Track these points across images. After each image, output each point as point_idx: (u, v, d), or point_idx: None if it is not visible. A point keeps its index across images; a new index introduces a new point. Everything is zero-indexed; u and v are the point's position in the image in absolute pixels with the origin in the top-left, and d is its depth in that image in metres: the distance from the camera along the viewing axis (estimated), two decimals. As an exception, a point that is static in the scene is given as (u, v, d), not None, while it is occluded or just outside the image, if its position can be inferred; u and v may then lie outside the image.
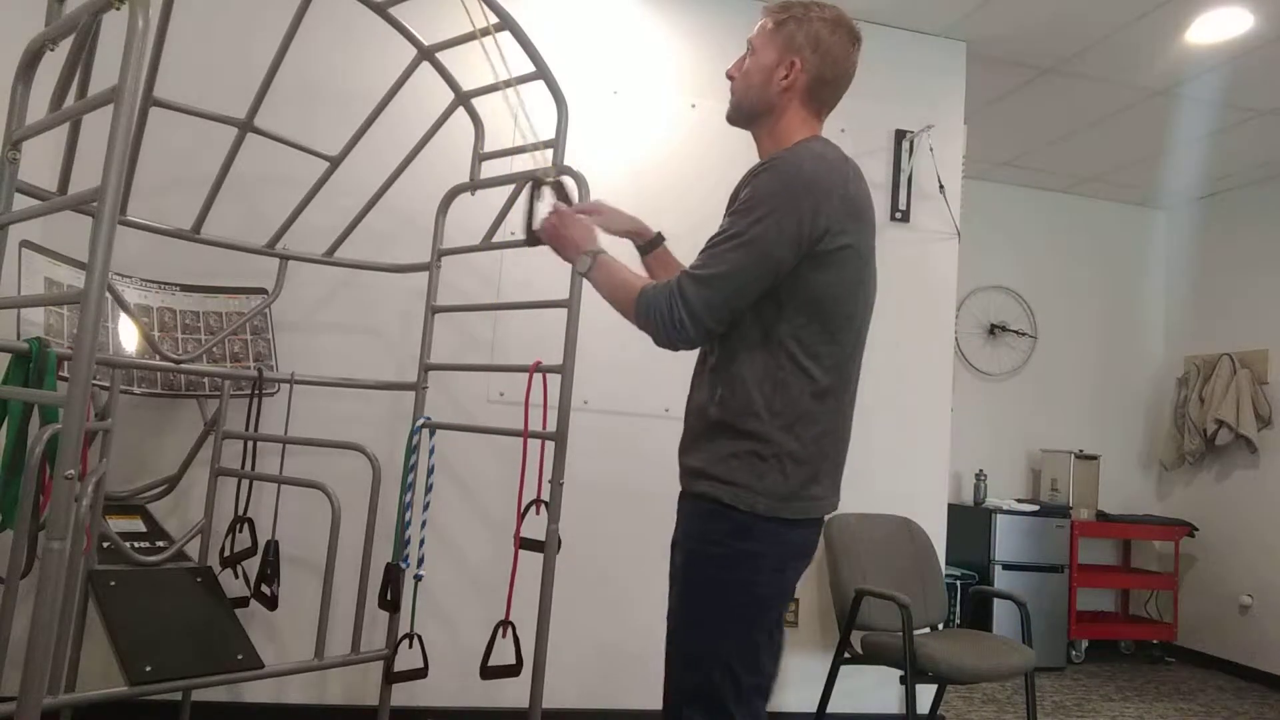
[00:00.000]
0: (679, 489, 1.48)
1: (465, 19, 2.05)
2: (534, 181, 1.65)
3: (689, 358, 1.38)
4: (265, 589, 2.23)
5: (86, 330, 1.22)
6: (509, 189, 2.41)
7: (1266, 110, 3.86)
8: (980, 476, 4.54)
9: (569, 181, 1.66)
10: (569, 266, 2.09)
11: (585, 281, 1.51)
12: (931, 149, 3.34)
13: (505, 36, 2.09)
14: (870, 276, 1.42)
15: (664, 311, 1.32)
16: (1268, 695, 4.07)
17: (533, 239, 1.63)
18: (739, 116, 1.51)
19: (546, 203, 1.63)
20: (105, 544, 2.07)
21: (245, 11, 2.77)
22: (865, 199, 1.39)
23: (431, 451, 2.37)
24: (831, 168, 1.34)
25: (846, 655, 2.83)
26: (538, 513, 2.12)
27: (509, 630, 2.15)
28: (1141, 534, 4.77)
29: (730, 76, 1.51)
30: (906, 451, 3.30)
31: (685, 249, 1.64)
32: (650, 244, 1.67)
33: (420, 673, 2.31)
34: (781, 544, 1.34)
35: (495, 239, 2.44)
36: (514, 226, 2.82)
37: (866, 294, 1.41)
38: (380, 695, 2.40)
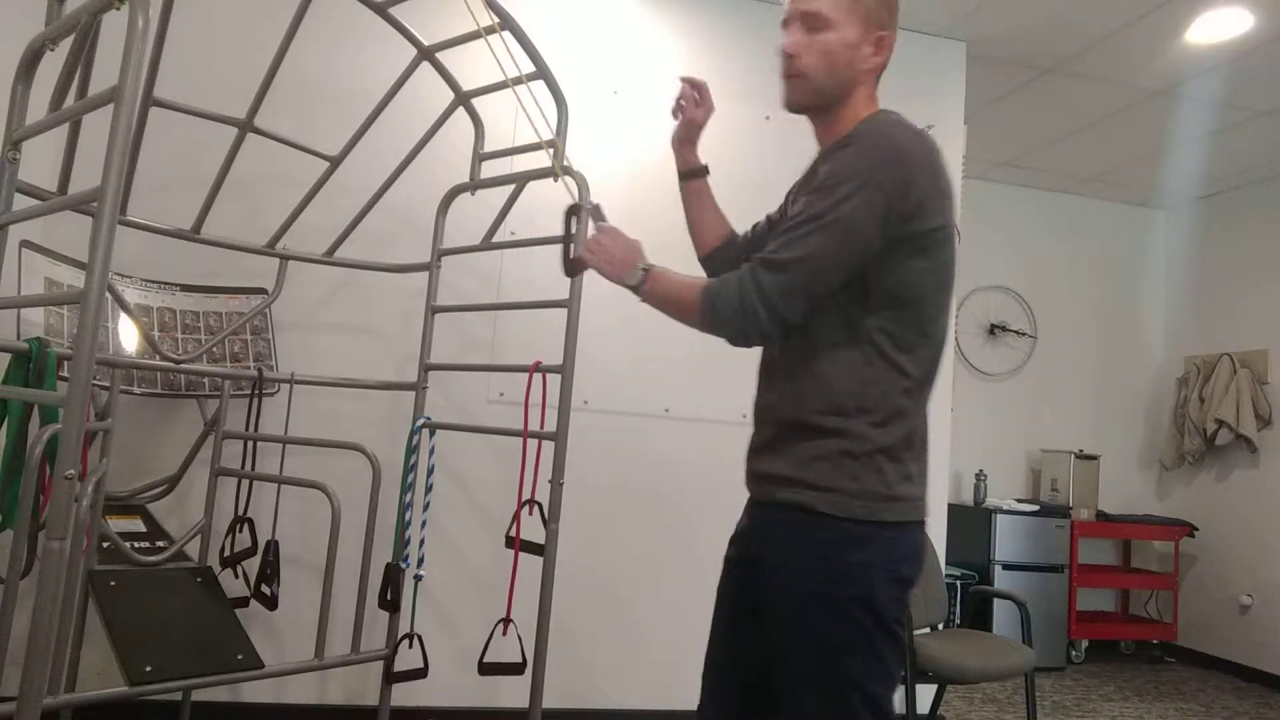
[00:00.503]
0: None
1: (465, 19, 2.05)
2: (569, 208, 1.57)
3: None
4: (265, 589, 2.23)
5: (86, 330, 1.22)
6: (509, 189, 2.41)
7: (1266, 110, 3.86)
8: (980, 476, 4.54)
9: (602, 205, 1.57)
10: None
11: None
12: (931, 149, 3.34)
13: (507, 36, 2.09)
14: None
15: (734, 302, 1.21)
16: (1268, 695, 4.07)
17: (573, 267, 1.54)
18: (812, 102, 1.33)
19: (584, 229, 1.54)
20: (105, 544, 2.07)
21: (245, 11, 2.77)
22: (949, 175, 1.27)
23: (431, 451, 2.37)
24: (920, 138, 1.22)
25: (846, 655, 2.82)
26: (530, 513, 2.12)
27: (510, 628, 2.15)
28: (1141, 534, 4.77)
29: (792, 54, 1.30)
30: (906, 451, 3.29)
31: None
32: (697, 171, 1.59)
33: (420, 673, 2.31)
34: (889, 549, 1.21)
35: (495, 239, 2.44)
36: (514, 226, 2.83)
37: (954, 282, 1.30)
38: (380, 695, 2.40)
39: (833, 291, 1.20)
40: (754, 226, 1.57)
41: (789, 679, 1.22)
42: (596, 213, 1.54)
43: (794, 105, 1.35)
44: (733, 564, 1.38)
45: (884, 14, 1.30)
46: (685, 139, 1.61)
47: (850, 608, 1.18)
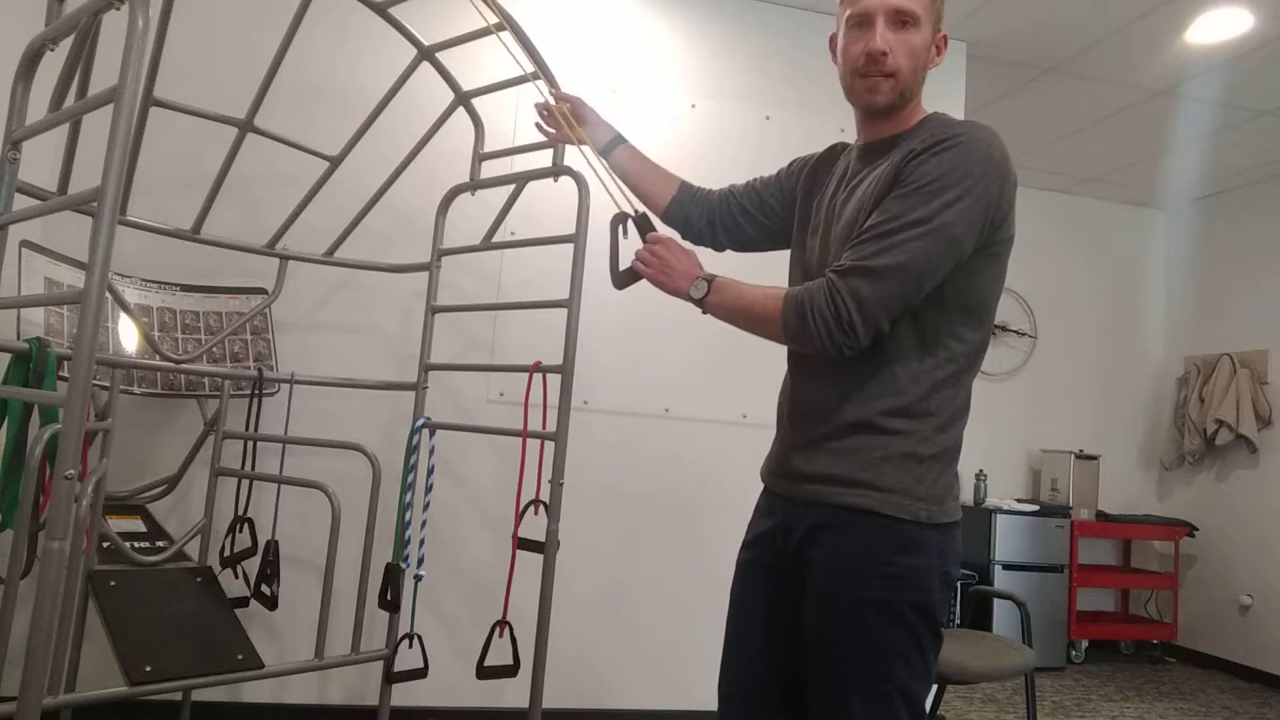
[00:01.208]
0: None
1: (465, 19, 2.05)
2: (617, 216, 1.50)
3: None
4: (265, 589, 2.23)
5: (86, 330, 1.22)
6: (509, 189, 2.41)
7: (1266, 110, 3.86)
8: (980, 476, 4.54)
9: (650, 214, 1.53)
10: (569, 266, 2.10)
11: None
12: (931, 149, 3.34)
13: (506, 35, 2.09)
14: None
15: (826, 314, 1.15)
16: (1268, 695, 4.07)
17: (624, 278, 1.46)
18: (898, 102, 1.28)
19: (631, 239, 1.49)
20: (105, 544, 2.07)
21: (245, 12, 2.77)
22: None
23: (431, 451, 2.37)
24: (1005, 148, 1.19)
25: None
26: (536, 513, 2.12)
27: (506, 630, 2.15)
28: (1141, 534, 4.77)
29: (883, 54, 1.24)
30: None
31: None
32: (616, 140, 1.63)
33: (420, 673, 2.31)
34: (944, 551, 1.20)
35: (495, 239, 2.44)
36: (514, 227, 2.83)
37: None
38: (380, 695, 2.40)
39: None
40: (756, 185, 1.54)
41: (835, 680, 1.19)
42: (645, 221, 1.48)
43: (880, 107, 1.29)
44: (756, 567, 1.34)
45: (943, 10, 1.29)
46: (579, 121, 1.65)
47: (907, 614, 1.16)
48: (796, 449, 1.29)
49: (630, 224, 1.49)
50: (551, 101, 1.71)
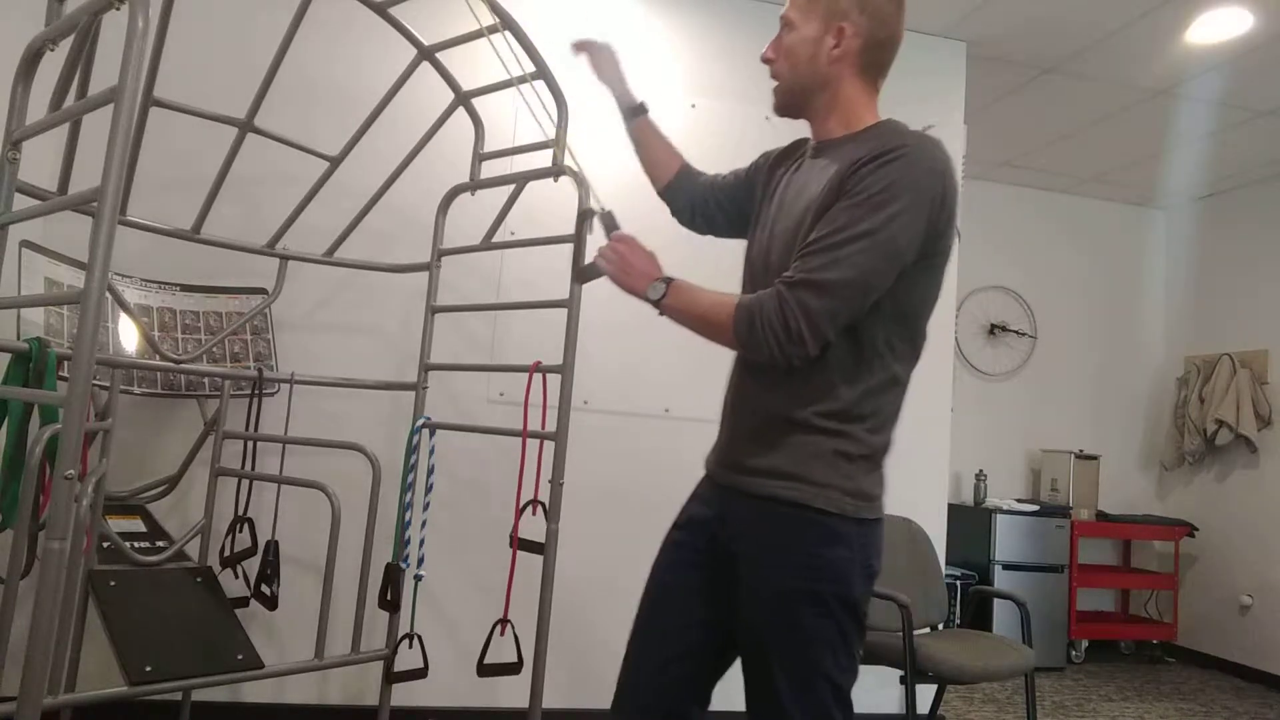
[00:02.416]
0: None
1: (465, 19, 2.04)
2: (585, 212, 1.57)
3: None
4: (265, 589, 2.23)
5: (86, 330, 1.22)
6: (509, 189, 2.41)
7: (1266, 110, 3.86)
8: (980, 476, 4.54)
9: (615, 213, 1.55)
10: (569, 266, 2.10)
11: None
12: (931, 149, 3.34)
13: (507, 35, 2.09)
14: None
15: (776, 325, 1.18)
16: (1268, 695, 4.07)
17: (585, 272, 1.50)
18: (790, 101, 1.36)
19: (596, 236, 1.52)
20: (105, 544, 2.07)
21: (245, 11, 2.77)
22: None
23: (431, 451, 2.37)
24: (948, 156, 1.23)
25: (846, 655, 2.82)
26: (534, 513, 2.12)
27: (507, 628, 2.15)
28: (1141, 534, 4.77)
29: (768, 60, 1.36)
30: (906, 452, 3.26)
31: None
32: (636, 110, 1.66)
33: (420, 673, 2.31)
34: (866, 546, 1.25)
35: (495, 239, 2.44)
36: (514, 226, 2.83)
37: None
38: (380, 695, 2.40)
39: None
40: (728, 177, 1.59)
41: (764, 667, 1.24)
42: (610, 220, 1.50)
43: (776, 109, 1.38)
44: (689, 549, 1.38)
45: (848, 6, 1.29)
46: (611, 80, 1.68)
47: (832, 604, 1.22)
48: (737, 441, 1.34)
49: (597, 221, 1.52)
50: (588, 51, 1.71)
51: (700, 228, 1.65)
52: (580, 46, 1.74)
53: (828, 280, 1.16)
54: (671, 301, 1.32)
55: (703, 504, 1.41)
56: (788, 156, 1.46)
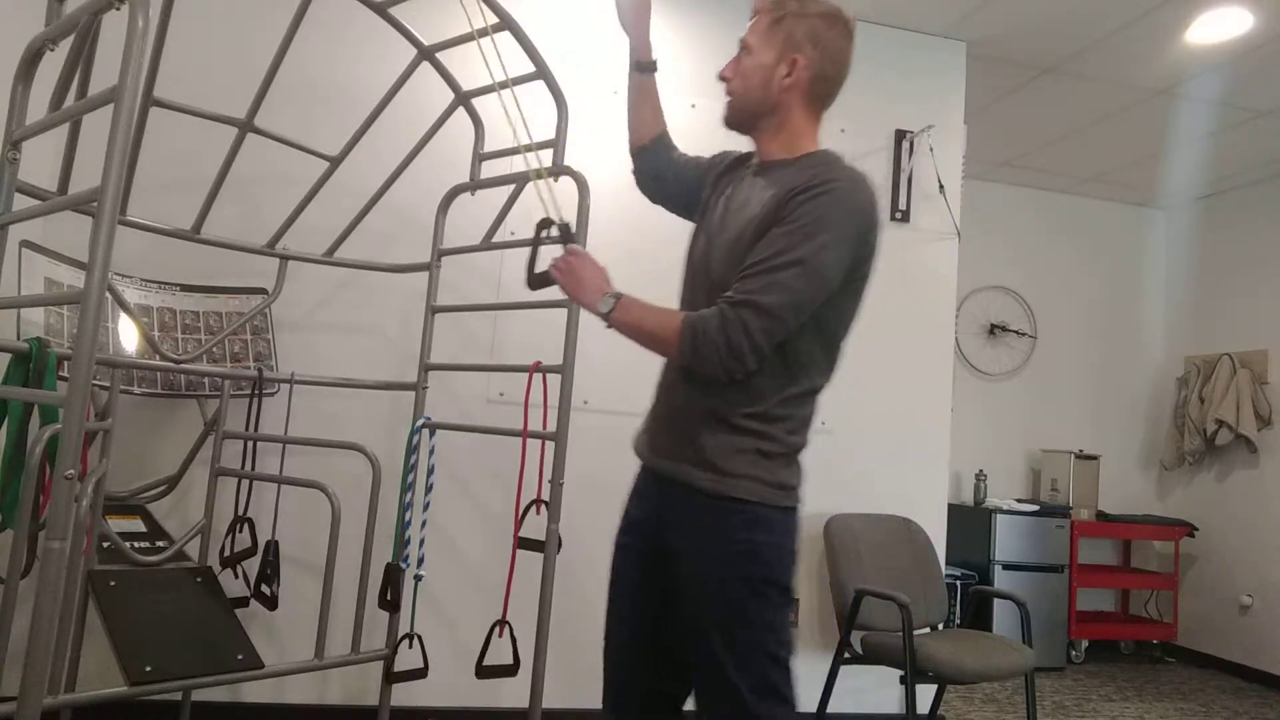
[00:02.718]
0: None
1: (465, 19, 2.04)
2: (542, 221, 1.61)
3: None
4: (265, 589, 2.23)
5: (86, 330, 1.22)
6: (509, 189, 2.41)
7: (1266, 110, 3.86)
8: (980, 476, 4.54)
9: (571, 225, 1.60)
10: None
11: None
12: (931, 149, 3.34)
13: (505, 36, 2.09)
14: None
15: (719, 343, 1.29)
16: (1268, 695, 4.07)
17: (538, 280, 1.56)
18: (740, 119, 1.48)
19: (536, 244, 1.60)
20: (105, 544, 2.07)
21: (245, 11, 2.77)
22: None
23: (431, 451, 2.37)
24: (873, 194, 1.36)
25: (846, 655, 2.83)
26: (538, 513, 2.12)
27: (505, 630, 2.15)
28: (1141, 534, 4.77)
29: (724, 78, 1.49)
30: (906, 451, 3.30)
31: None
32: (647, 66, 1.67)
33: (420, 673, 2.31)
34: (788, 532, 1.38)
35: (495, 239, 2.44)
36: (514, 226, 2.82)
37: None
38: (380, 695, 2.40)
39: None
40: (688, 159, 1.67)
41: (708, 649, 1.34)
42: (567, 232, 1.56)
43: (726, 122, 1.50)
44: (632, 551, 1.52)
45: (803, 39, 1.41)
46: (637, 22, 1.67)
47: (765, 585, 1.34)
48: (669, 432, 1.44)
49: (555, 232, 1.57)
50: None
51: (653, 194, 1.71)
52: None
53: (766, 303, 1.28)
54: (620, 316, 1.41)
55: (640, 501, 1.53)
56: (734, 168, 1.57)
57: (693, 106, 3.14)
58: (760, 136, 1.48)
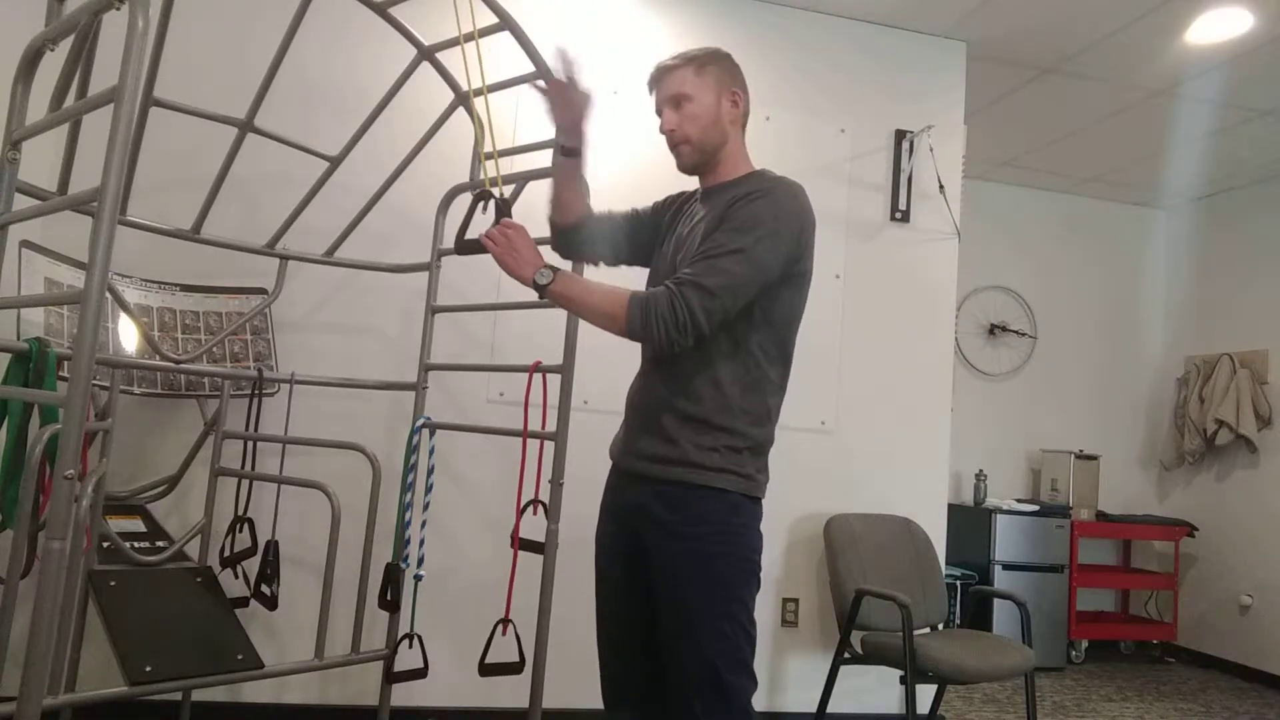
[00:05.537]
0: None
1: (466, 19, 2.04)
2: (481, 193, 1.66)
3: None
4: (265, 589, 2.23)
5: (86, 330, 1.22)
6: (508, 189, 2.41)
7: (1266, 110, 3.86)
8: (980, 476, 4.54)
9: (509, 200, 1.65)
10: (568, 266, 2.10)
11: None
12: (931, 149, 3.34)
13: (503, 37, 2.09)
14: None
15: (667, 315, 1.41)
16: (1268, 695, 4.07)
17: (467, 246, 1.64)
18: (701, 160, 1.60)
19: (489, 216, 1.64)
20: (105, 544, 2.07)
21: (245, 11, 2.77)
22: None
23: (431, 451, 2.37)
24: (808, 200, 1.54)
25: (846, 655, 2.83)
26: (535, 513, 2.12)
27: (509, 628, 2.15)
28: (1141, 534, 4.77)
29: (670, 131, 1.59)
30: (906, 452, 3.30)
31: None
32: (573, 151, 1.67)
33: (420, 673, 2.31)
34: (755, 516, 1.53)
35: (495, 239, 2.43)
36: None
37: None
38: (380, 695, 2.40)
39: (738, 312, 1.46)
40: (630, 213, 1.77)
41: (684, 616, 1.46)
42: (505, 206, 1.62)
43: (687, 168, 1.63)
44: (613, 550, 1.61)
45: (729, 76, 1.60)
46: (570, 120, 1.65)
47: (742, 563, 1.49)
48: (642, 434, 1.56)
49: (492, 205, 1.63)
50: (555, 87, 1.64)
51: (604, 258, 1.79)
52: (553, 86, 1.64)
53: (709, 283, 1.42)
54: (559, 289, 1.49)
55: (616, 494, 1.63)
56: (684, 201, 1.70)
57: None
58: (710, 169, 1.62)
